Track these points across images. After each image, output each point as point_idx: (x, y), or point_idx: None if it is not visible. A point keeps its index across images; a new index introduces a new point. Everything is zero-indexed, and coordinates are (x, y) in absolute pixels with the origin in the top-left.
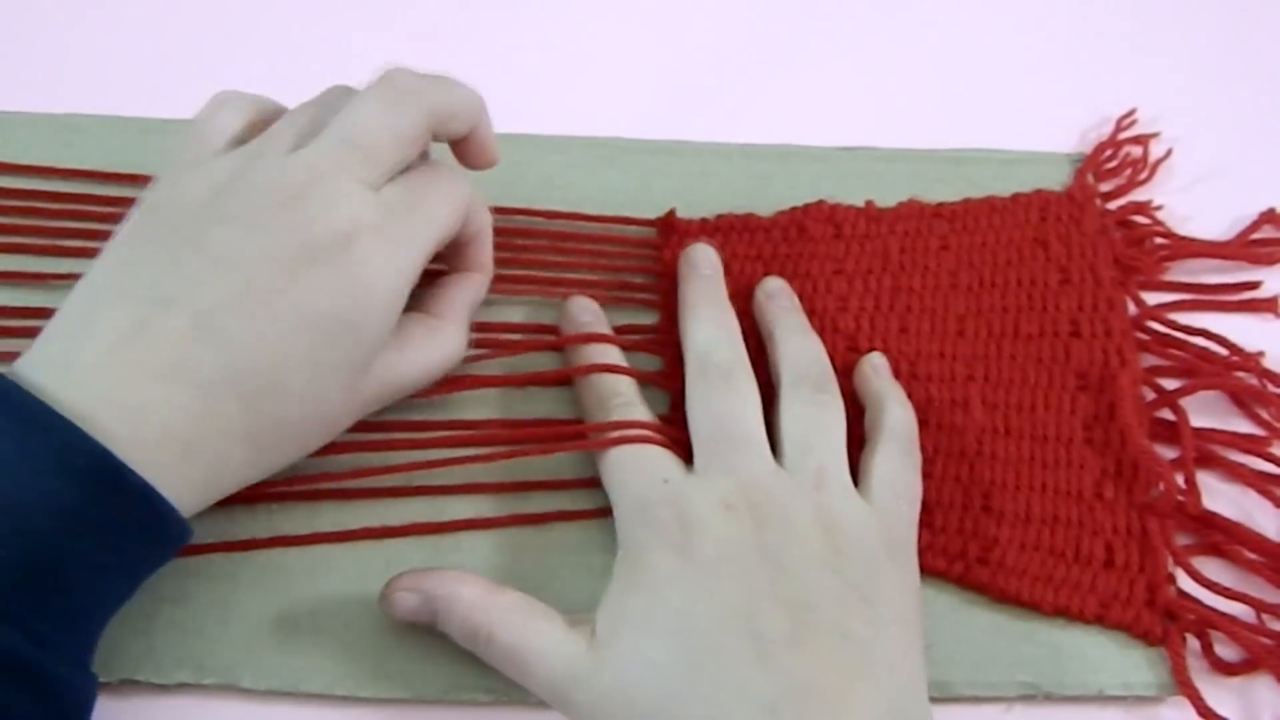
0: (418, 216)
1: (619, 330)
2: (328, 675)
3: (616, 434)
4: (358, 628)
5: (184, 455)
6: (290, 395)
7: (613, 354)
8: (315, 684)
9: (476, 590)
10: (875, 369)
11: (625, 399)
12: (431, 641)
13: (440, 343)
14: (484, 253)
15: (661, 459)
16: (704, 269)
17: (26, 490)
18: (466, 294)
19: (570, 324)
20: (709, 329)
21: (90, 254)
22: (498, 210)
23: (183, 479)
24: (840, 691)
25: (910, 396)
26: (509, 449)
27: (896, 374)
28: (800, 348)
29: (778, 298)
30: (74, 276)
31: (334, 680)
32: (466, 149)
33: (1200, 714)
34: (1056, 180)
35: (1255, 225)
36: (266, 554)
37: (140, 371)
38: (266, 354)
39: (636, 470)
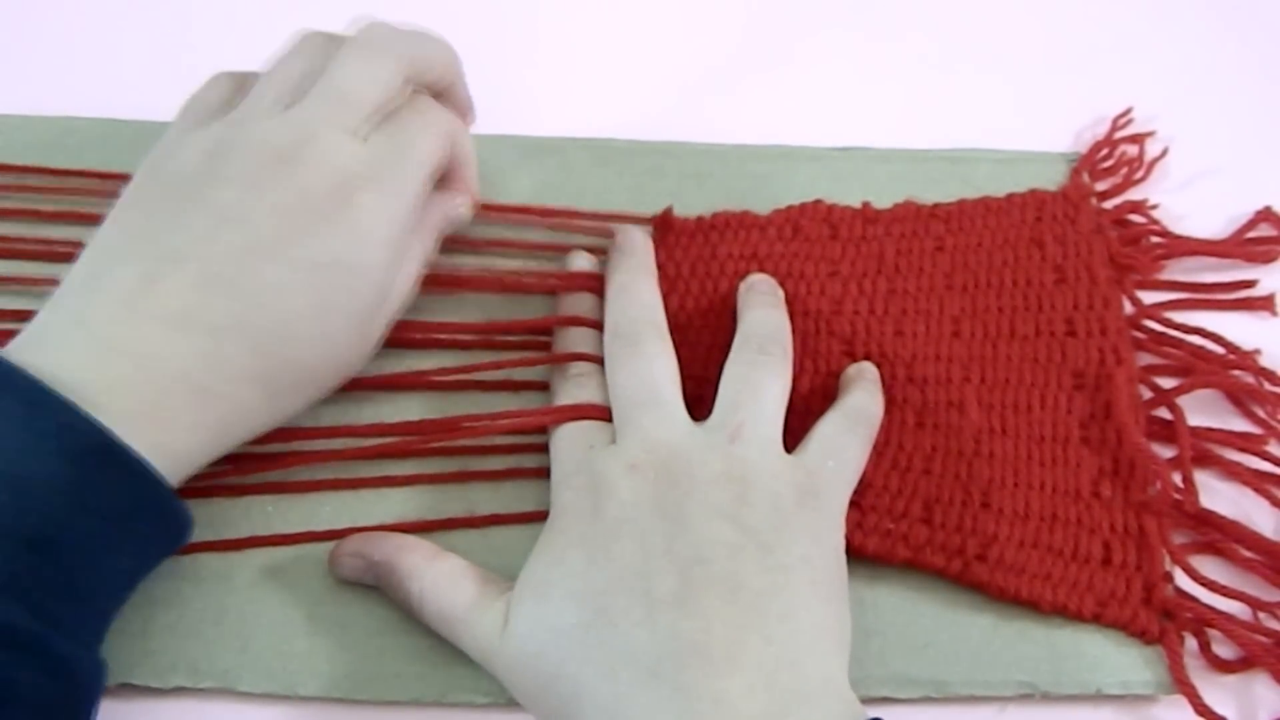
0: (406, 160)
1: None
2: (324, 678)
3: (561, 408)
4: (354, 630)
5: (199, 400)
6: (300, 340)
7: (588, 304)
8: (312, 687)
9: (414, 557)
10: (860, 369)
11: (580, 370)
12: (428, 644)
13: (410, 257)
14: (467, 175)
15: (593, 430)
16: (624, 246)
17: (28, 470)
18: (438, 209)
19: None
20: (619, 300)
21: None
22: (495, 209)
23: (196, 423)
24: (726, 647)
25: (906, 400)
26: (468, 426)
27: (892, 378)
28: (757, 316)
29: (757, 287)
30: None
31: (331, 683)
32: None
33: (1198, 712)
34: (1052, 180)
35: (1251, 224)
36: (262, 556)
37: (152, 322)
38: (274, 301)
39: (568, 442)
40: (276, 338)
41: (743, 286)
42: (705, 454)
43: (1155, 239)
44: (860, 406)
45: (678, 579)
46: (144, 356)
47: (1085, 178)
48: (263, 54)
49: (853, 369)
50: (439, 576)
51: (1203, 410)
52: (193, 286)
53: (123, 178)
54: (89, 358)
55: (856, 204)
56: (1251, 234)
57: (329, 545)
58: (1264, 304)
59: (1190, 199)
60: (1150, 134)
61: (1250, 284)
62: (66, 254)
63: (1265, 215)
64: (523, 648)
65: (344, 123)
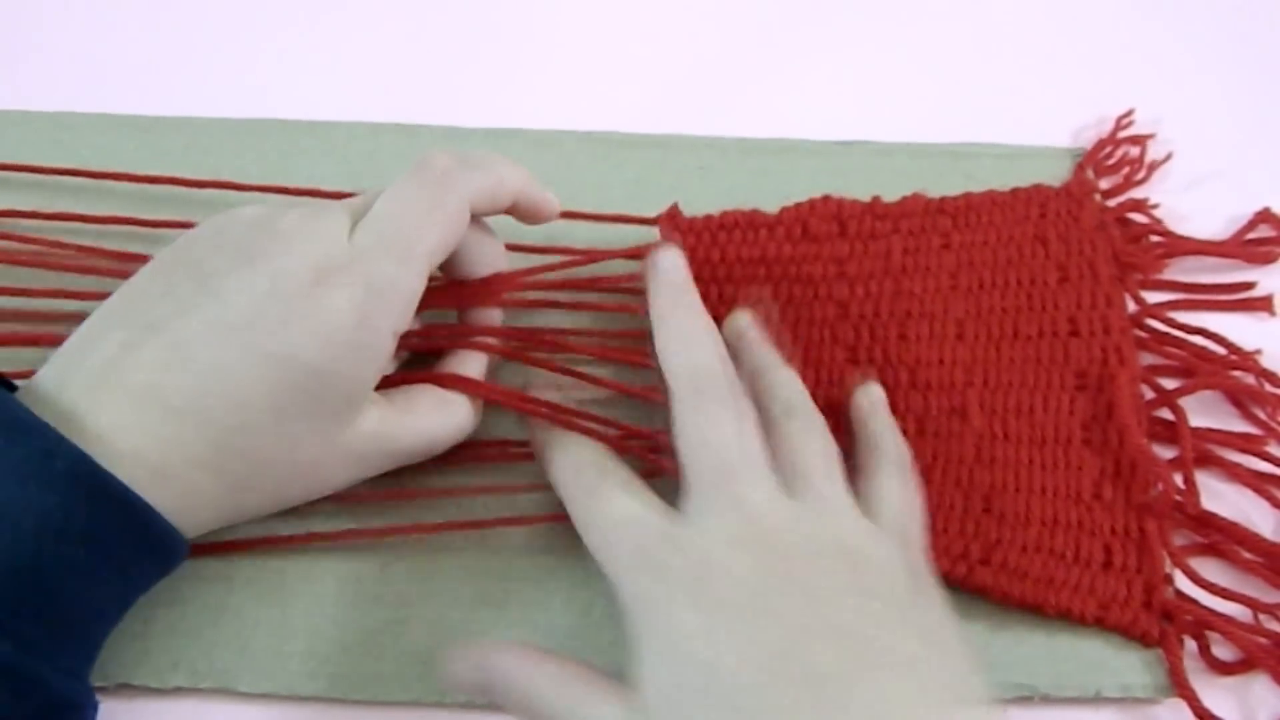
0: (393, 253)
1: (610, 335)
2: (324, 678)
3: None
4: (354, 630)
5: (154, 479)
6: (256, 433)
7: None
8: (311, 687)
9: (517, 661)
10: (873, 403)
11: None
12: (428, 644)
13: (449, 414)
14: (479, 260)
15: (644, 503)
16: (672, 274)
17: (8, 496)
18: (473, 369)
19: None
20: (690, 346)
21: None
22: None
23: (157, 503)
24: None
25: (909, 408)
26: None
27: (895, 384)
28: (775, 379)
29: (746, 334)
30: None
31: (330, 683)
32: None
33: (1197, 715)
34: (1056, 176)
35: (1251, 225)
36: (262, 557)
37: (119, 392)
38: (230, 388)
39: (624, 520)
40: (229, 428)
41: (729, 334)
42: (806, 526)
43: (1156, 238)
44: (902, 457)
45: (843, 653)
46: (105, 427)
47: (1089, 174)
48: (257, 50)
49: (864, 401)
50: (545, 682)
51: (1203, 411)
52: (158, 362)
53: (119, 177)
54: (57, 423)
55: (861, 198)
56: (1251, 235)
57: (327, 548)
58: (1263, 305)
59: (1190, 199)
60: (1151, 136)
61: (1250, 285)
62: (61, 252)
63: (1265, 216)
64: None
65: (345, 211)
